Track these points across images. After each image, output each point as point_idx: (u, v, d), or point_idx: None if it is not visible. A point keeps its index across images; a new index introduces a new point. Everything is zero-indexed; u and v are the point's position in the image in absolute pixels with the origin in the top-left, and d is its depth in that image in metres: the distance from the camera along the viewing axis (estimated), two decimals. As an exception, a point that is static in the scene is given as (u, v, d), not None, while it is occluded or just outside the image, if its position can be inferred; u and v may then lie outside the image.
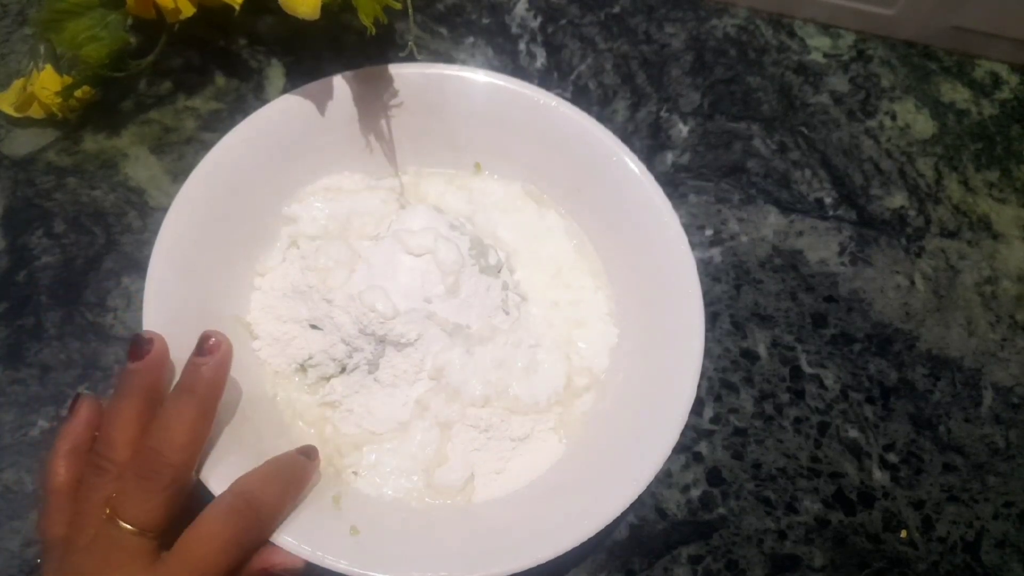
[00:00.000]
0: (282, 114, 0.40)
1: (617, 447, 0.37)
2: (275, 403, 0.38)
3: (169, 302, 0.35)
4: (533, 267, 0.43)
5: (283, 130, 0.40)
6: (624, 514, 0.35)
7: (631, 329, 0.41)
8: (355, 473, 0.37)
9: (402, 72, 0.42)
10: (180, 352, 0.33)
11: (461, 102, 0.43)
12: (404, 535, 0.35)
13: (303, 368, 0.39)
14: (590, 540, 0.34)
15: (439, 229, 0.38)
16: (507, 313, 0.39)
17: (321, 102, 0.41)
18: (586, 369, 0.41)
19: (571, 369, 0.40)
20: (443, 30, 0.53)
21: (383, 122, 0.43)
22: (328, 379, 0.39)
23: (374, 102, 0.42)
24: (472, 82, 0.42)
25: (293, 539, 0.32)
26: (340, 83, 0.41)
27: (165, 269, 0.36)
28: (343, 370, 0.38)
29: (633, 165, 0.41)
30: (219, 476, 0.32)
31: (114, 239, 0.44)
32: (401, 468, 0.37)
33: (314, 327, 0.38)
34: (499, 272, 0.40)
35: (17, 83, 0.46)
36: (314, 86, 0.41)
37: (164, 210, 0.37)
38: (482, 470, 0.38)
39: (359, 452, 0.38)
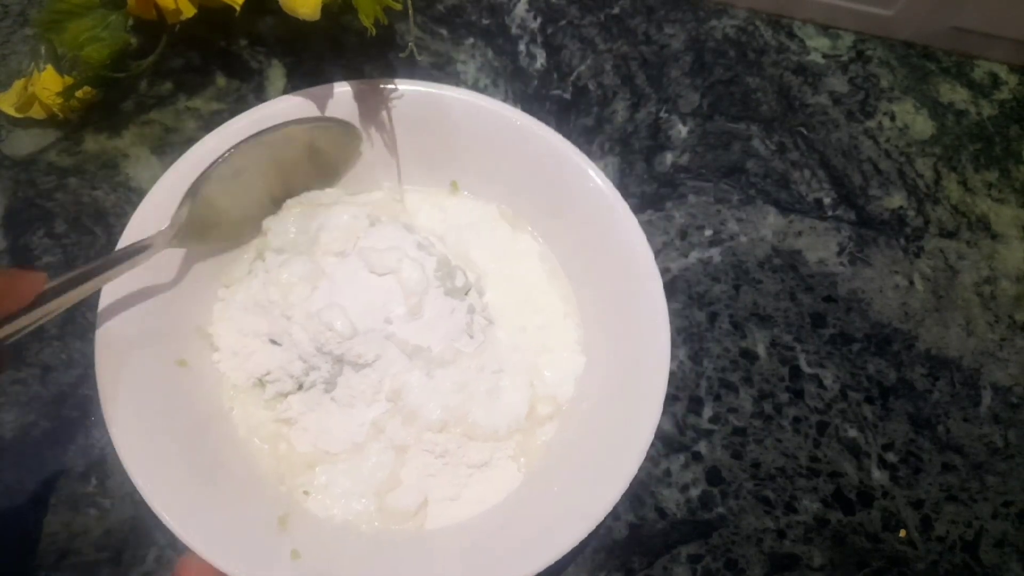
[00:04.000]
0: (254, 127, 0.38)
1: (575, 479, 0.36)
2: (230, 417, 0.37)
3: (130, 308, 0.35)
4: (503, 290, 0.42)
5: None
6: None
7: (599, 359, 0.40)
8: (306, 493, 0.36)
9: (382, 88, 0.41)
10: (141, 357, 0.34)
11: (440, 120, 0.42)
12: (349, 561, 0.34)
13: (261, 383, 0.38)
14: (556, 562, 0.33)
15: (405, 249, 0.37)
16: (472, 336, 0.38)
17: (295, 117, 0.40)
18: (550, 397, 0.40)
19: (535, 397, 0.39)
20: (443, 31, 0.53)
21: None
22: (286, 395, 0.38)
23: (352, 118, 0.41)
24: (452, 100, 0.41)
25: (225, 560, 0.31)
26: (316, 97, 0.40)
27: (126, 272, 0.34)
28: (300, 387, 0.38)
29: (608, 192, 0.40)
30: (165, 495, 0.32)
31: (115, 239, 0.44)
32: (353, 490, 0.36)
33: (274, 342, 0.37)
34: (466, 294, 0.39)
35: (18, 83, 0.46)
36: (290, 99, 0.39)
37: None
38: (436, 496, 0.37)
39: (312, 471, 0.37)
